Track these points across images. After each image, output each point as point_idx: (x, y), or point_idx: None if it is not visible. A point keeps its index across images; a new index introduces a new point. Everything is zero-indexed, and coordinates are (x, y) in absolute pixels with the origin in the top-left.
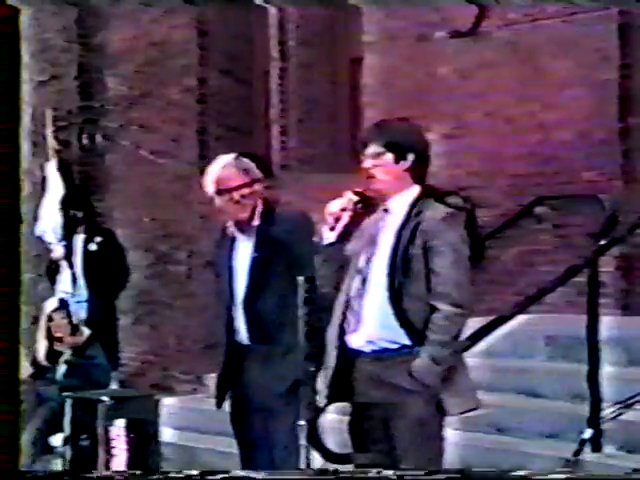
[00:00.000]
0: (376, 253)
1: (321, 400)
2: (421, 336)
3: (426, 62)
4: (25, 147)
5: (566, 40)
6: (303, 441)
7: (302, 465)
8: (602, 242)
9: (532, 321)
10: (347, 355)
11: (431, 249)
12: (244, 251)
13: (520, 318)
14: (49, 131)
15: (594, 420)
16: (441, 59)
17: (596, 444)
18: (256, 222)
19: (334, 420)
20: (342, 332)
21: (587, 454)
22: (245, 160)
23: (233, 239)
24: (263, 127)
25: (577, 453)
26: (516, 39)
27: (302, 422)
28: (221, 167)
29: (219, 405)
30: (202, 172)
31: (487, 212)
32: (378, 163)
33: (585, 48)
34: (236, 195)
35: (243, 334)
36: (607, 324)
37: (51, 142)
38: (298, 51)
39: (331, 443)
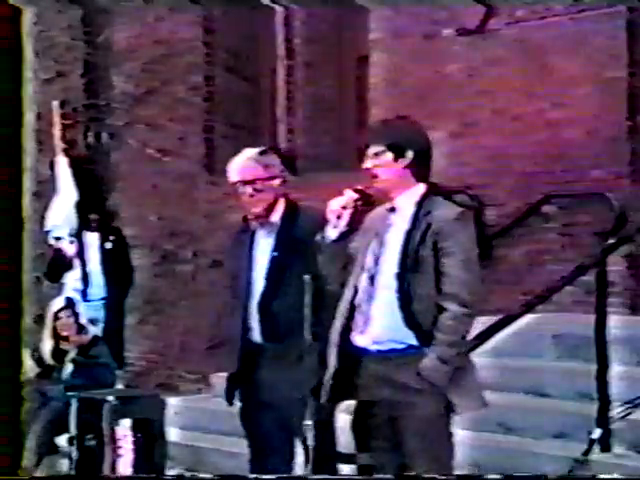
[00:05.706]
0: (384, 253)
1: (323, 399)
2: (429, 337)
3: (433, 60)
4: (31, 145)
5: (574, 38)
6: (311, 441)
7: (302, 465)
8: (611, 241)
9: (540, 320)
10: (351, 354)
11: (442, 250)
12: (264, 248)
13: (528, 317)
14: (57, 126)
15: (603, 420)
16: (448, 57)
17: (605, 444)
18: (274, 219)
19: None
20: (346, 331)
21: (596, 454)
22: (269, 156)
23: (253, 233)
24: (269, 125)
25: (586, 453)
26: (524, 37)
27: (308, 422)
28: (244, 158)
29: (230, 402)
30: (208, 170)
31: (494, 211)
32: (378, 163)
33: (593, 46)
34: (250, 189)
35: (257, 333)
36: (616, 323)
37: (58, 137)
38: (304, 49)
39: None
